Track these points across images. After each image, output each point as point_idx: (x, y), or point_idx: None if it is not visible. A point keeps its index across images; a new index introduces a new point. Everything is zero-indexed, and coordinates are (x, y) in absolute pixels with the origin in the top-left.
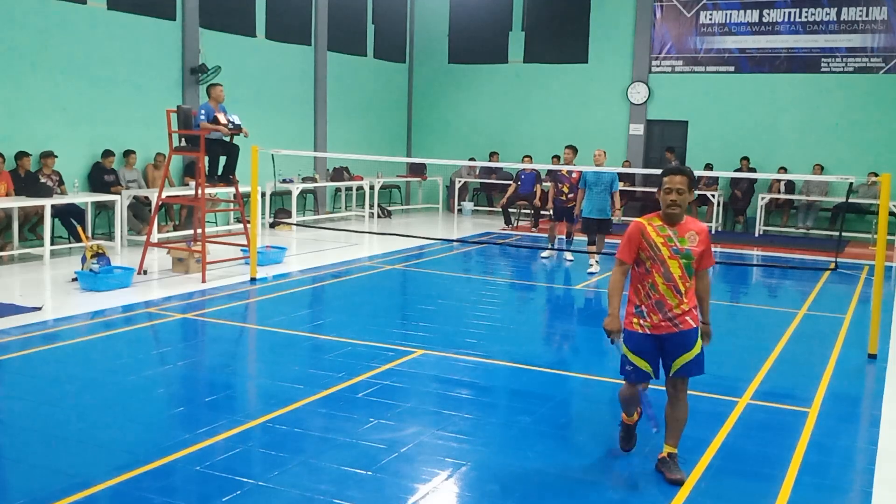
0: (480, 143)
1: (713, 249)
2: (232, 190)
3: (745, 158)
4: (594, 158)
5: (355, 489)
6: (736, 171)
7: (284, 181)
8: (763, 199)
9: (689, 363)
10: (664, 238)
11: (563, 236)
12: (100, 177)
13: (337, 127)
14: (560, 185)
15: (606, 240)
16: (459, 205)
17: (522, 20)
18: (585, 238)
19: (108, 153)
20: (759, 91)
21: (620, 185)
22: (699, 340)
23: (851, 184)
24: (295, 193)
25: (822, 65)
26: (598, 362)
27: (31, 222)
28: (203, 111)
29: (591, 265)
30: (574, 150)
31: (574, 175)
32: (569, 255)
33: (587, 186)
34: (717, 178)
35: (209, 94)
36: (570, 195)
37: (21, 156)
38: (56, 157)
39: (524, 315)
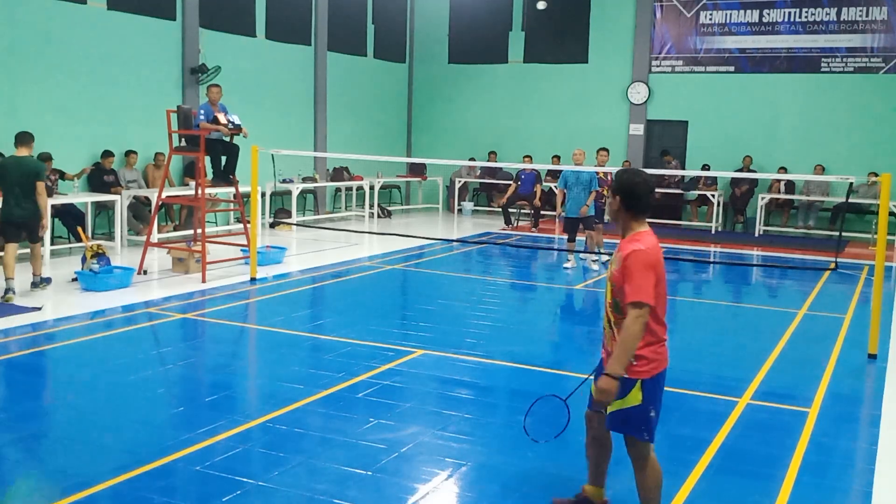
0: (480, 142)
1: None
2: (232, 190)
3: (748, 156)
4: (573, 157)
5: (355, 489)
6: (738, 170)
7: (284, 181)
8: (763, 199)
9: (613, 413)
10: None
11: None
12: (100, 177)
13: (337, 127)
14: (601, 189)
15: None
16: (459, 205)
17: (522, 20)
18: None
19: (107, 153)
20: (759, 91)
21: None
22: (635, 392)
23: (851, 184)
24: (295, 193)
25: (822, 65)
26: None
27: None
28: (202, 111)
29: (569, 260)
30: (608, 150)
31: (609, 178)
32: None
33: (567, 186)
34: (716, 178)
35: (207, 95)
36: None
37: None
38: (52, 159)
39: (524, 315)
